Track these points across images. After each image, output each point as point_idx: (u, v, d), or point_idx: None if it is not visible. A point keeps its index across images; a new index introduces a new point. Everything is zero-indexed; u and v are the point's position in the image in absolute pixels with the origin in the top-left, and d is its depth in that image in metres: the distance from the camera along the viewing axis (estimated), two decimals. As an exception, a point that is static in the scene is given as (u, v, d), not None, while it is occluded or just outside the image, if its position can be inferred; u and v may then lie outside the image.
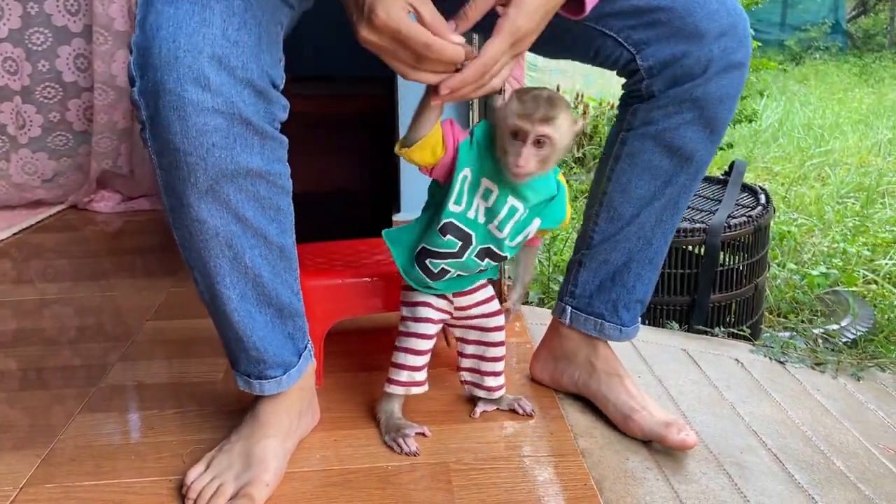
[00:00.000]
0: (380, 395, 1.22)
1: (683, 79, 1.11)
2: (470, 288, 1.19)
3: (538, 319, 1.66)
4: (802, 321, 2.41)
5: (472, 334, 1.23)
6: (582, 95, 3.83)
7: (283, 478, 1.09)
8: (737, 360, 1.62)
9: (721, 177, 2.20)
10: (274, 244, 1.05)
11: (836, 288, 2.66)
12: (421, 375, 1.19)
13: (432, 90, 0.93)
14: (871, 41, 10.16)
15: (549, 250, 2.42)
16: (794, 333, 2.21)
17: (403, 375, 1.17)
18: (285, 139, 1.01)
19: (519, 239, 1.11)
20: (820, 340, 2.05)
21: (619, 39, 1.13)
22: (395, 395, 1.19)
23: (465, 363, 1.24)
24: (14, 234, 2.27)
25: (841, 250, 2.89)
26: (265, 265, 1.05)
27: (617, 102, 1.24)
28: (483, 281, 1.21)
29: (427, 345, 1.18)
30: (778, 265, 2.79)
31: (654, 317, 1.92)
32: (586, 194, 1.41)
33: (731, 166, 2.17)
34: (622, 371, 1.27)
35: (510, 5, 0.90)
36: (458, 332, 1.24)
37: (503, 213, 1.07)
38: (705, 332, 1.85)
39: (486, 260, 1.13)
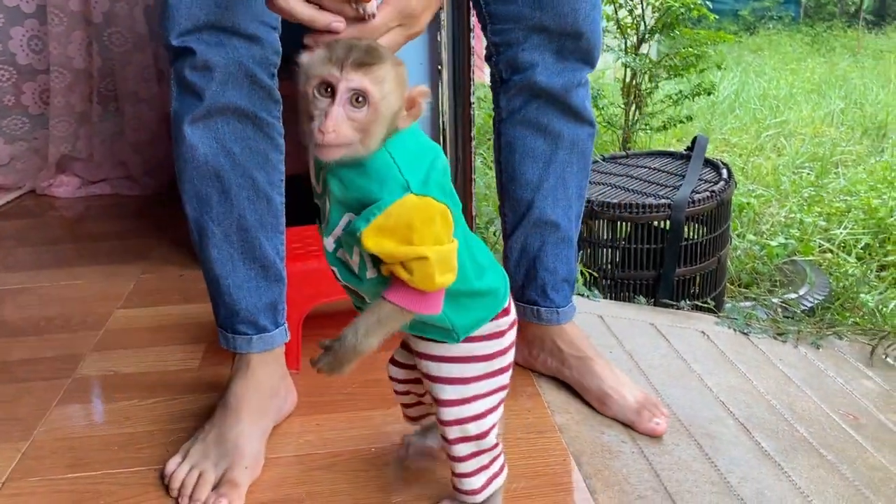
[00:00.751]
0: (359, 379, 1.23)
1: (523, 66, 1.14)
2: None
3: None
4: (763, 291, 2.48)
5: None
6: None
7: (265, 463, 1.10)
8: (703, 332, 1.67)
9: (684, 152, 2.25)
10: (261, 192, 1.09)
11: (794, 258, 2.74)
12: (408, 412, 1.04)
13: None
14: (822, 10, 10.33)
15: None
16: (756, 303, 2.27)
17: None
18: (278, 95, 1.08)
19: (334, 246, 0.80)
20: (780, 310, 2.12)
21: (480, 3, 1.15)
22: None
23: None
24: (-28, 222, 2.22)
25: (798, 220, 2.97)
26: (251, 209, 1.09)
27: None
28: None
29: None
30: (738, 236, 2.86)
31: (622, 291, 1.96)
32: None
33: (694, 141, 2.21)
34: (591, 352, 1.29)
35: None
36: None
37: (320, 201, 0.81)
38: (671, 306, 1.89)
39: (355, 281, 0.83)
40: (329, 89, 0.71)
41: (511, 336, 0.88)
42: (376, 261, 0.76)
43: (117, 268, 1.88)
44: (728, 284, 2.47)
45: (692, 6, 3.41)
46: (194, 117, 1.04)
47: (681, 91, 3.69)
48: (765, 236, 2.85)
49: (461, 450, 0.88)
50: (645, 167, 2.19)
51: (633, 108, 3.69)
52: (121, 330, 1.55)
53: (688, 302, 1.89)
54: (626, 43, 3.64)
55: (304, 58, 0.74)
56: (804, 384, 1.51)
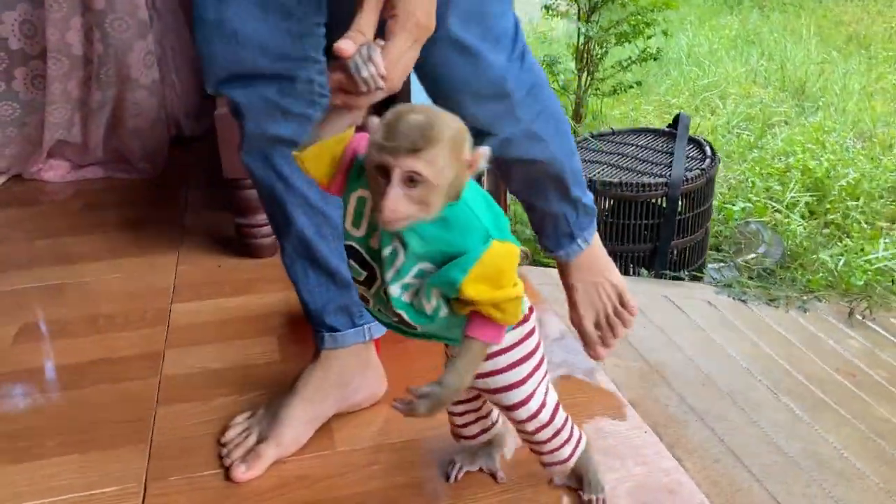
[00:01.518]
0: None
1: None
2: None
3: (538, 280, 1.83)
4: (729, 253, 2.71)
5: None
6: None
7: (306, 446, 1.20)
8: (708, 302, 1.87)
9: (666, 129, 2.42)
10: (316, 208, 1.18)
11: (748, 219, 2.99)
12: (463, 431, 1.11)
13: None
14: (726, -38, 10.69)
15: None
16: (724, 265, 2.51)
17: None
18: (314, 114, 1.10)
19: (400, 292, 0.85)
20: (754, 269, 2.35)
21: None
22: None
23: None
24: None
25: (751, 183, 3.22)
26: (309, 225, 1.19)
27: None
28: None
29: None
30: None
31: (622, 264, 2.13)
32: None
33: (676, 119, 2.38)
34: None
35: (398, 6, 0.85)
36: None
37: (386, 252, 0.84)
38: (671, 276, 2.09)
39: (392, 314, 0.89)
40: (386, 172, 0.75)
41: (537, 334, 0.97)
42: (448, 302, 0.84)
43: (151, 259, 1.90)
44: (699, 248, 2.69)
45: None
46: (246, 147, 1.15)
47: (630, 57, 3.86)
48: (724, 199, 3.09)
49: (543, 435, 0.99)
50: (633, 145, 2.36)
51: (585, 73, 3.85)
52: (187, 325, 1.61)
53: (686, 272, 2.08)
54: (578, 10, 3.78)
55: (374, 124, 0.77)
56: (804, 346, 1.73)
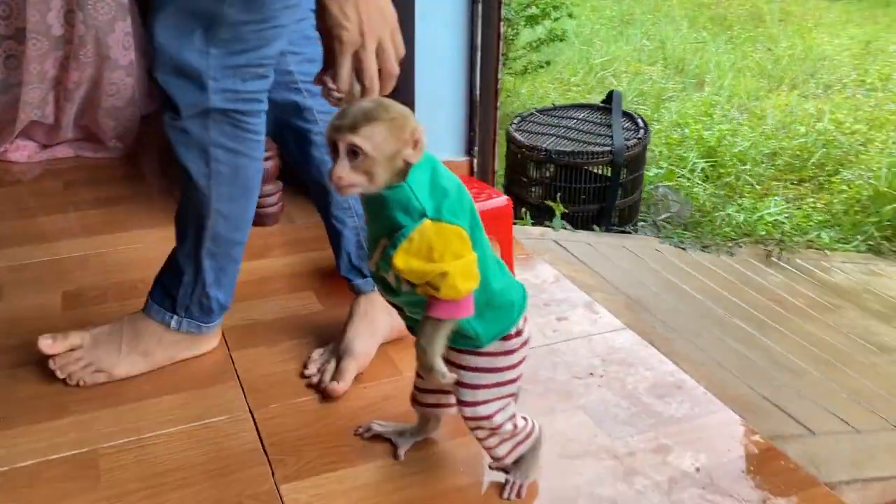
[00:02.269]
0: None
1: None
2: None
3: (523, 235, 2.11)
4: (650, 212, 3.09)
5: None
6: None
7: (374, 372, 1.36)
8: (657, 249, 2.21)
9: (601, 104, 2.74)
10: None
11: (658, 184, 3.38)
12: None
13: None
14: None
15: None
16: (644, 223, 2.87)
17: None
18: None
19: (376, 266, 0.93)
20: (669, 227, 2.72)
21: None
22: None
23: None
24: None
25: (658, 152, 3.61)
26: None
27: None
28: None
29: None
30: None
31: (577, 222, 2.44)
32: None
33: (609, 96, 2.71)
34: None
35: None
36: None
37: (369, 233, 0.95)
38: (615, 231, 2.42)
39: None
40: (335, 147, 0.86)
41: (521, 354, 1.00)
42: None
43: (162, 231, 2.02)
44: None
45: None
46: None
47: (539, 38, 4.18)
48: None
49: (480, 434, 1.03)
50: (573, 118, 2.66)
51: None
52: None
53: (632, 226, 2.41)
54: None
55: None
56: (738, 281, 2.10)
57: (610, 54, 5.44)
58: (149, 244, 1.96)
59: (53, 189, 2.31)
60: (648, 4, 7.71)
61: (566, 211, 2.33)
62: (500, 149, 2.20)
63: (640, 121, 2.63)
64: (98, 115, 2.48)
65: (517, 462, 1.08)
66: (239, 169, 1.24)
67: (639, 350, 1.56)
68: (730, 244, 2.37)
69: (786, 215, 2.92)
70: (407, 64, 2.05)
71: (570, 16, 4.33)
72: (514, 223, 2.26)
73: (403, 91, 1.96)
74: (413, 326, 0.99)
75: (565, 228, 2.23)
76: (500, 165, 2.36)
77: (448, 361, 0.97)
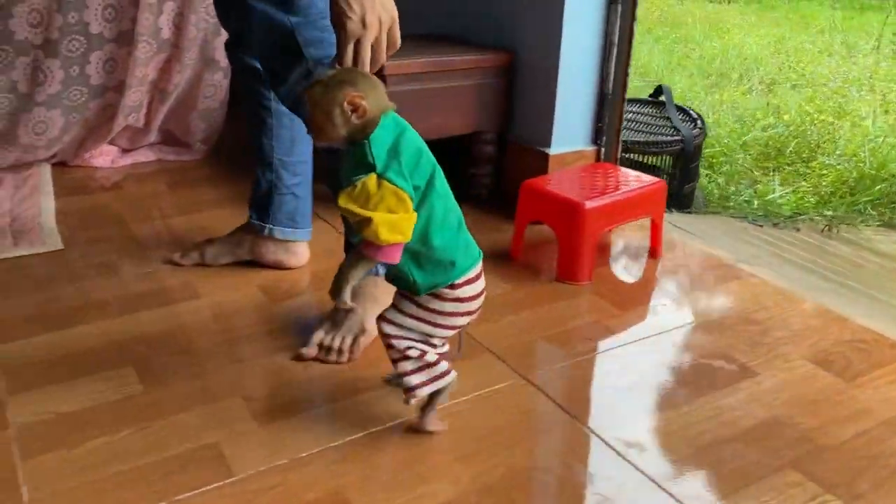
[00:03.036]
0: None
1: None
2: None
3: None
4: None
5: None
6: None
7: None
8: (744, 228, 2.44)
9: (649, 99, 2.96)
10: None
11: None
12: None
13: None
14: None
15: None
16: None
17: None
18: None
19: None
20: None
21: None
22: None
23: None
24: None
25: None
26: None
27: None
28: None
29: None
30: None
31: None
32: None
33: (658, 89, 2.93)
34: None
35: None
36: None
37: None
38: (690, 213, 2.64)
39: None
40: None
41: (451, 307, 1.13)
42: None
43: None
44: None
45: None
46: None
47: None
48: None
49: (392, 354, 1.17)
50: (630, 111, 2.87)
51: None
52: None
53: (705, 209, 2.64)
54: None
55: None
56: (828, 252, 2.36)
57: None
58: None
59: (155, 191, 2.30)
60: None
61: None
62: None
63: (692, 113, 2.87)
64: (190, 117, 2.49)
65: (428, 404, 1.21)
66: None
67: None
68: (785, 221, 2.64)
69: (785, 199, 3.23)
70: (552, 62, 2.21)
71: None
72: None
73: (544, 89, 2.10)
74: (388, 273, 1.14)
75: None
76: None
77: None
